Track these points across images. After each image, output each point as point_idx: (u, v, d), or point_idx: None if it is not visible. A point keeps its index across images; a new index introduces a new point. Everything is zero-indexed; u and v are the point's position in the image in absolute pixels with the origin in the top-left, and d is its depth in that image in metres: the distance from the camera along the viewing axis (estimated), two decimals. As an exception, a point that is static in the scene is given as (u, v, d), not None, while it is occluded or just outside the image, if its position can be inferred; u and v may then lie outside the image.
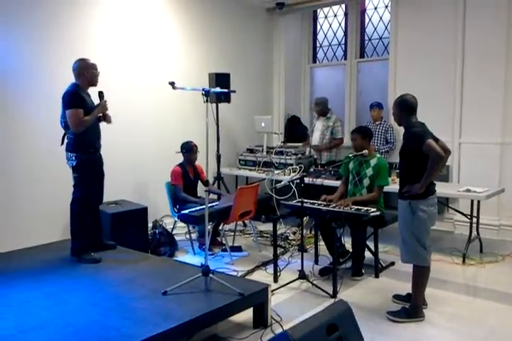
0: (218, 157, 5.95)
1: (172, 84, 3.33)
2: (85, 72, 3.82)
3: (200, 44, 6.32)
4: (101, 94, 3.91)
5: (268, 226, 5.67)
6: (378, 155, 4.50)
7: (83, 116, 3.70)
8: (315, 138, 6.32)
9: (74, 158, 3.77)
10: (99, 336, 2.57)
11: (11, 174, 4.50)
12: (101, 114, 3.95)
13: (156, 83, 5.63)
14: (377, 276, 4.24)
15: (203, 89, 3.39)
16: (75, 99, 3.71)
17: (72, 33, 4.99)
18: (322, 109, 6.22)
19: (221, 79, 5.74)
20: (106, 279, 3.45)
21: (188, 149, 5.19)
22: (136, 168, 5.61)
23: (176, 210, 5.12)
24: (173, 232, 5.15)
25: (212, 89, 3.61)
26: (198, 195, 5.32)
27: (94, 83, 3.91)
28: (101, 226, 4.17)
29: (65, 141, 3.86)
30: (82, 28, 5.08)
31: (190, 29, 6.20)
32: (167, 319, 2.74)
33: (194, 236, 5.21)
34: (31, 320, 2.75)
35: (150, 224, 5.01)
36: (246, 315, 3.26)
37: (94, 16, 5.20)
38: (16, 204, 4.55)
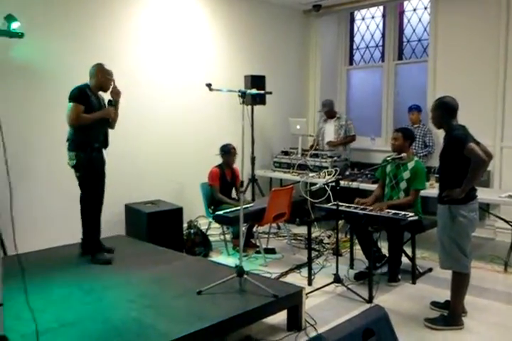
0: (253, 159, 5.96)
1: (209, 85, 3.37)
2: (99, 75, 3.89)
3: (236, 46, 6.36)
4: (110, 102, 3.98)
5: (302, 229, 5.63)
6: (416, 158, 4.41)
7: (80, 112, 3.74)
8: (328, 141, 6.37)
9: (74, 157, 3.81)
10: (135, 332, 2.61)
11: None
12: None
13: (193, 84, 5.70)
14: (414, 282, 4.15)
15: (239, 91, 3.40)
16: (80, 94, 3.78)
17: (113, 34, 5.14)
18: (330, 110, 6.35)
19: (257, 82, 5.76)
20: (142, 277, 3.49)
21: (227, 151, 5.23)
22: (173, 169, 5.68)
23: (210, 211, 5.15)
24: (208, 233, 5.18)
25: (249, 91, 3.61)
26: (233, 196, 5.35)
27: (104, 88, 3.96)
28: (99, 228, 4.07)
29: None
30: (121, 28, 5.21)
31: (227, 32, 6.25)
32: (201, 318, 2.75)
33: (228, 237, 5.23)
34: (71, 315, 2.81)
35: (185, 225, 5.06)
36: (280, 317, 3.24)
37: (134, 17, 5.32)
38: (51, 204, 4.68)
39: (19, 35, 4.19)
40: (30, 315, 2.38)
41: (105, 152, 4.03)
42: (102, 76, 3.90)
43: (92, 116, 3.80)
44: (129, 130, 5.27)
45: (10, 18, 4.10)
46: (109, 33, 5.11)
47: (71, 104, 3.74)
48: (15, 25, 4.13)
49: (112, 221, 5.02)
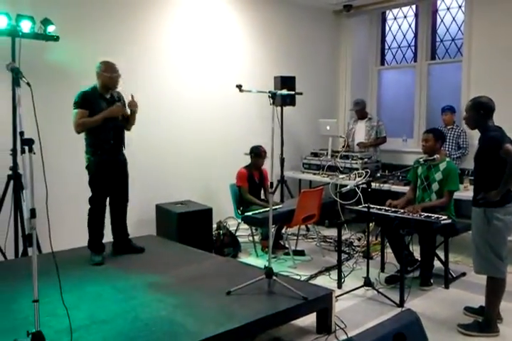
0: (282, 160, 5.94)
1: (239, 86, 3.37)
2: (102, 75, 3.83)
3: (266, 47, 6.37)
4: (118, 99, 3.92)
5: (332, 232, 5.59)
6: (448, 159, 4.31)
7: (83, 117, 3.73)
8: (358, 141, 6.30)
9: (86, 159, 3.87)
10: (166, 331, 2.63)
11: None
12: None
13: (223, 85, 5.73)
14: (447, 287, 4.05)
15: (270, 92, 3.39)
16: (79, 99, 3.76)
17: (145, 37, 5.23)
18: (362, 109, 6.31)
19: (287, 82, 5.73)
20: (172, 277, 3.52)
21: (257, 154, 5.24)
22: (203, 170, 5.73)
23: (239, 212, 5.17)
24: (237, 234, 5.19)
25: (279, 92, 3.59)
26: (262, 198, 5.35)
27: (110, 86, 3.88)
28: (102, 231, 4.01)
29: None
30: (153, 31, 5.31)
31: (257, 33, 6.27)
32: (230, 319, 2.76)
33: (257, 238, 5.23)
34: (103, 313, 2.86)
35: (214, 225, 5.09)
36: (309, 320, 3.22)
37: (165, 20, 5.41)
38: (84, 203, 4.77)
39: (55, 39, 4.30)
40: (64, 311, 2.44)
41: (125, 152, 4.03)
42: (105, 75, 3.82)
43: (96, 117, 3.76)
44: (160, 131, 5.34)
45: (46, 22, 4.21)
46: (141, 35, 5.21)
47: (74, 110, 3.76)
48: (51, 29, 4.24)
49: (142, 221, 5.11)
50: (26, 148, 2.24)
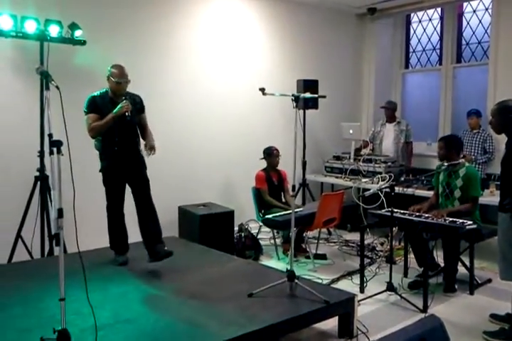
0: (304, 163, 5.94)
1: (262, 90, 3.37)
2: (109, 80, 3.69)
3: (289, 51, 6.39)
4: (124, 98, 3.66)
5: (354, 236, 5.55)
6: (467, 164, 4.24)
7: (95, 121, 3.61)
8: (387, 145, 6.27)
9: (100, 163, 3.81)
10: (187, 332, 2.66)
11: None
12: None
13: (246, 89, 5.76)
14: (471, 293, 3.98)
15: (293, 95, 3.39)
16: (87, 104, 3.67)
17: (168, 41, 5.32)
18: (393, 110, 6.27)
19: (309, 86, 5.74)
20: (194, 278, 3.55)
21: (269, 153, 5.27)
22: (225, 173, 5.77)
23: (261, 215, 5.17)
24: (258, 236, 5.20)
25: (302, 95, 3.58)
26: (282, 200, 5.35)
27: (115, 92, 3.69)
28: (119, 233, 3.94)
29: None
30: (176, 36, 5.39)
31: (280, 36, 6.29)
32: (252, 321, 2.77)
33: (278, 241, 5.23)
34: (126, 312, 2.90)
35: (236, 228, 5.10)
36: (331, 324, 3.20)
37: (189, 25, 5.48)
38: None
39: (82, 43, 4.38)
40: (88, 310, 2.48)
41: (143, 154, 3.84)
42: (111, 80, 3.66)
43: (105, 119, 3.60)
44: (182, 134, 5.40)
45: (73, 26, 4.29)
46: (165, 39, 5.29)
47: (84, 116, 3.68)
48: (78, 33, 4.32)
49: (165, 222, 5.10)
50: (55, 149, 2.28)
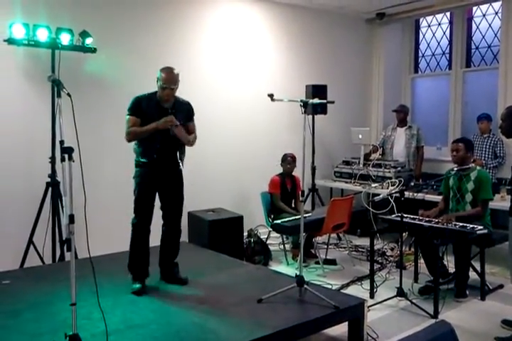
0: (313, 169, 5.94)
1: (271, 96, 3.37)
2: (157, 83, 3.39)
3: (297, 56, 6.41)
4: (171, 111, 3.42)
5: (364, 241, 5.53)
6: (479, 168, 4.21)
7: (135, 125, 3.36)
8: (398, 150, 6.24)
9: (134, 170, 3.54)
10: (198, 337, 2.67)
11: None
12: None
13: (254, 94, 5.78)
14: (483, 299, 3.95)
15: (301, 101, 3.40)
16: (130, 105, 3.41)
17: (178, 47, 5.38)
18: (405, 114, 6.28)
19: (318, 91, 5.74)
20: (204, 283, 3.56)
21: (283, 159, 5.31)
22: (234, 178, 5.79)
23: (270, 220, 5.18)
24: (268, 242, 5.20)
25: (310, 100, 3.57)
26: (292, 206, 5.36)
27: (160, 98, 3.39)
28: (144, 257, 3.49)
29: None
30: (185, 41, 5.45)
31: (288, 41, 6.31)
32: (262, 326, 2.77)
33: (288, 246, 5.23)
34: (137, 318, 2.92)
35: (245, 233, 5.11)
36: (341, 330, 3.19)
37: (197, 31, 5.53)
38: (121, 210, 4.87)
39: (92, 51, 4.43)
40: (99, 315, 2.50)
41: (181, 168, 3.60)
42: (157, 84, 3.38)
43: (145, 128, 3.33)
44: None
45: (84, 34, 4.35)
46: (174, 46, 5.34)
47: (126, 116, 3.42)
48: (89, 41, 4.38)
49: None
50: (66, 156, 2.32)
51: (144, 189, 3.48)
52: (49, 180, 4.26)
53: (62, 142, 2.36)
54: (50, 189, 4.25)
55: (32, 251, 4.25)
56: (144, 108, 3.39)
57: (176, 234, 3.69)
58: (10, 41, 4.04)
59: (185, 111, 3.55)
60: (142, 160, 3.46)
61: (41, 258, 4.28)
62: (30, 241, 4.23)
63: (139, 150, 3.46)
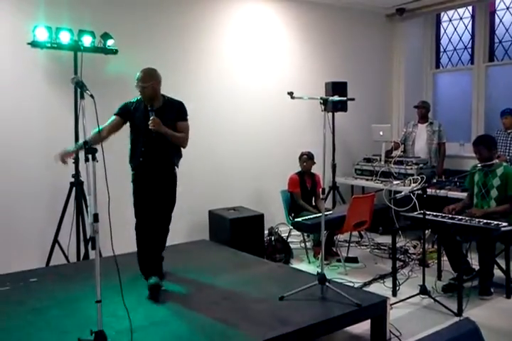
0: (334, 166, 5.91)
1: (291, 94, 3.37)
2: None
3: (317, 53, 6.38)
4: (151, 110, 3.38)
5: (385, 239, 5.49)
6: (505, 164, 4.15)
7: (109, 123, 3.43)
8: (420, 146, 6.17)
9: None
10: (220, 333, 2.69)
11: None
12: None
13: (274, 92, 5.79)
14: (508, 297, 3.89)
15: (321, 98, 3.39)
16: (121, 106, 3.53)
17: (196, 47, 5.42)
18: (426, 111, 6.20)
19: (338, 88, 5.70)
20: (226, 280, 3.58)
21: (299, 157, 5.32)
22: (254, 176, 5.81)
23: (291, 218, 5.18)
24: (288, 240, 5.21)
25: (330, 98, 3.57)
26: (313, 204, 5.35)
27: (143, 98, 3.45)
28: (144, 253, 3.55)
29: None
30: (208, 40, 5.50)
31: (308, 38, 6.30)
32: (284, 324, 2.78)
33: (309, 244, 5.22)
34: (160, 314, 2.96)
35: (266, 231, 5.13)
36: (363, 327, 3.18)
37: (215, 29, 5.57)
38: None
39: (114, 52, 4.49)
40: (124, 312, 2.55)
41: (176, 170, 3.58)
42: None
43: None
44: (211, 139, 5.47)
45: (106, 36, 4.41)
46: (193, 46, 5.37)
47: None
48: (110, 43, 4.44)
49: (196, 226, 5.23)
50: (90, 156, 2.36)
51: (138, 192, 3.54)
52: (73, 180, 4.33)
53: (86, 143, 2.41)
54: (74, 189, 4.33)
55: (57, 250, 4.35)
56: (131, 110, 3.48)
57: (162, 237, 3.61)
58: (33, 44, 4.12)
59: (174, 111, 3.52)
60: (131, 164, 3.54)
61: (66, 257, 4.37)
62: (56, 240, 4.33)
63: (129, 154, 3.54)
